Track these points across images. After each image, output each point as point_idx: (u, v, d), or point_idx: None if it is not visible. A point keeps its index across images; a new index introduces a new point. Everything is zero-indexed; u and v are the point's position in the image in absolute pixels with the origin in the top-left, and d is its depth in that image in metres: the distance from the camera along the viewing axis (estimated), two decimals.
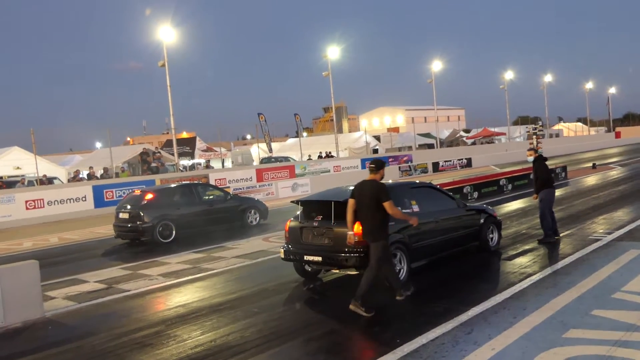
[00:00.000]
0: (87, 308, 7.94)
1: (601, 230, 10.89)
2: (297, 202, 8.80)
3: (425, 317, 6.36)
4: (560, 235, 10.38)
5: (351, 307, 6.61)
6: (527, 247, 9.95)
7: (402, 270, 7.80)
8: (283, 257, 8.45)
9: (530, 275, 7.87)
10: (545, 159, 10.64)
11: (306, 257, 8.00)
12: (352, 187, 7.51)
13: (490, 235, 9.79)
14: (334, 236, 7.69)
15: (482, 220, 9.62)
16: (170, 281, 9.22)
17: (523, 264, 8.71)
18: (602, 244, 9.54)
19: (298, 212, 8.70)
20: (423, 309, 6.75)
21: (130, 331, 6.63)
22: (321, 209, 8.07)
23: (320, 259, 7.79)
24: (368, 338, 5.96)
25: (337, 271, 8.24)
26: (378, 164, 7.09)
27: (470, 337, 5.54)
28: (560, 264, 8.36)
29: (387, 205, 6.75)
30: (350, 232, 7.07)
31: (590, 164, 29.02)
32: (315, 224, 8.01)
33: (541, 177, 10.25)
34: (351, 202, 7.05)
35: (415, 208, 8.39)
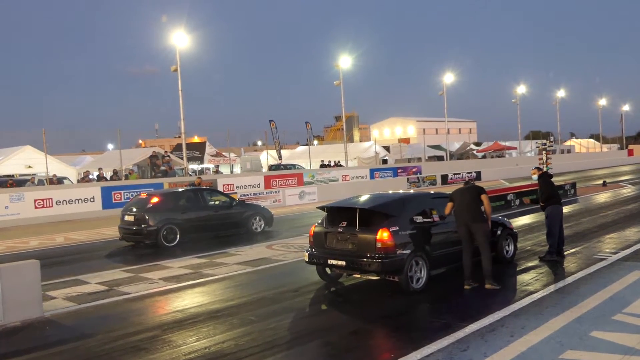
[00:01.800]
0: (87, 309, 7.97)
1: (607, 250, 10.77)
2: (322, 208, 9.05)
3: (422, 332, 6.31)
4: (565, 254, 10.27)
5: (487, 286, 8.08)
6: (530, 264, 9.87)
7: (422, 276, 8.15)
8: (307, 260, 8.73)
9: (531, 293, 7.80)
10: (551, 175, 10.58)
11: (330, 262, 8.30)
12: (375, 194, 9.48)
13: (507, 247, 9.96)
14: (357, 242, 7.99)
15: (499, 232, 9.79)
16: (171, 285, 9.24)
17: (525, 281, 8.63)
18: (607, 264, 9.43)
19: (320, 219, 9.03)
20: (421, 324, 6.72)
21: (127, 334, 6.64)
22: (346, 216, 8.34)
23: (344, 263, 8.07)
24: (363, 352, 5.91)
25: (359, 276, 8.60)
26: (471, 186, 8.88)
27: (465, 354, 5.48)
28: (563, 283, 8.27)
29: (484, 197, 8.50)
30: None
31: (601, 182, 28.74)
32: (340, 229, 8.28)
33: (546, 193, 10.16)
34: (450, 204, 8.65)
35: (436, 217, 8.68)
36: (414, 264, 8.00)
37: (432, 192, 10.91)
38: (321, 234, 8.58)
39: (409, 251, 7.89)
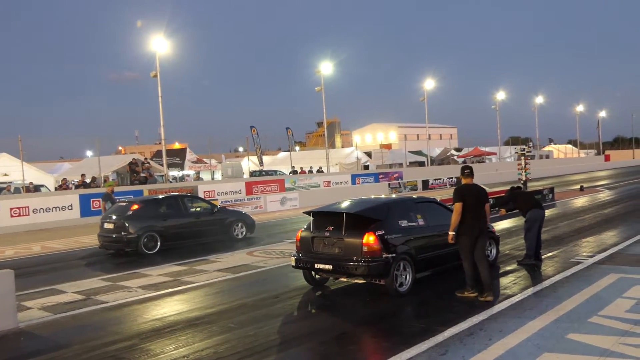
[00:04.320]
0: (63, 319, 7.83)
1: (584, 253, 10.93)
2: (309, 212, 9.06)
3: (402, 336, 6.33)
4: (543, 257, 10.39)
5: (482, 299, 7.64)
6: (509, 267, 9.97)
7: (407, 280, 8.23)
8: (294, 265, 8.79)
9: (510, 296, 7.87)
10: (519, 187, 10.94)
11: (317, 266, 8.40)
12: (367, 197, 9.52)
13: (489, 250, 10.04)
14: (344, 246, 8.12)
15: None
16: (150, 294, 9.13)
17: (504, 284, 8.71)
18: (583, 267, 9.57)
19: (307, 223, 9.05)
20: (401, 328, 6.73)
21: (104, 344, 6.53)
22: (332, 220, 8.43)
23: (330, 267, 8.19)
24: (342, 358, 5.90)
25: (345, 280, 8.66)
26: (472, 169, 8.32)
27: (444, 358, 5.51)
28: (540, 286, 8.36)
29: (487, 206, 8.12)
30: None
31: (579, 186, 29.18)
32: (326, 234, 8.38)
33: (527, 205, 10.27)
34: (459, 205, 7.81)
35: (421, 222, 8.80)
36: (400, 267, 8.12)
37: (414, 196, 11.03)
38: (308, 238, 8.64)
39: (394, 255, 8.00)
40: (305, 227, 8.96)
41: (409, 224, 8.59)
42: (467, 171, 8.15)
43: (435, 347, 5.83)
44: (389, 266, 7.90)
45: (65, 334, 7.11)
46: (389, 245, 8.00)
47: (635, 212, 17.73)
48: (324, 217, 8.70)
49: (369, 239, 7.86)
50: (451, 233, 7.83)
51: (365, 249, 7.85)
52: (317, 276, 8.95)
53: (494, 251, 10.20)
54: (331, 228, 8.34)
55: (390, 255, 7.93)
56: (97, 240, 14.37)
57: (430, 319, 7.05)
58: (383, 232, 8.02)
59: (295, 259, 8.78)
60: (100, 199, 16.15)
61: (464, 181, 8.08)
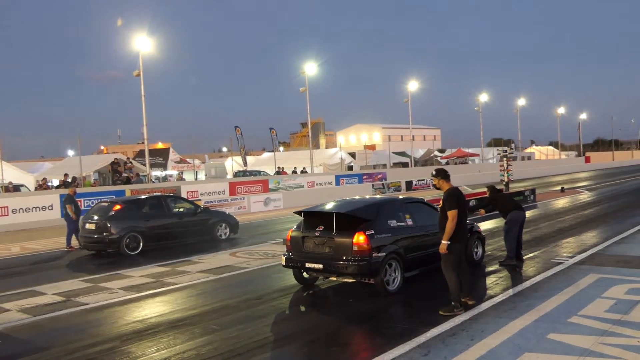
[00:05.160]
0: (42, 321, 7.71)
1: (564, 254, 11.06)
2: (299, 212, 9.11)
3: (384, 337, 6.34)
4: (524, 258, 10.50)
5: (472, 302, 7.34)
6: (490, 268, 10.05)
7: (396, 279, 8.34)
8: (284, 264, 8.87)
9: (491, 297, 7.93)
10: (500, 190, 11.06)
11: (307, 265, 8.47)
12: (355, 198, 9.48)
13: (475, 250, 10.28)
14: (334, 245, 8.20)
15: (468, 235, 9.87)
16: (131, 295, 9.04)
17: (486, 285, 8.77)
18: (564, 267, 9.68)
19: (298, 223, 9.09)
20: (383, 330, 6.73)
21: (84, 347, 6.45)
22: (323, 220, 8.52)
23: (321, 266, 8.28)
24: (324, 359, 5.89)
25: (335, 279, 8.69)
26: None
27: (426, 358, 5.53)
28: (521, 287, 8.44)
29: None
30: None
31: (559, 188, 29.56)
32: (317, 233, 8.46)
33: (508, 207, 10.38)
34: (457, 213, 7.13)
35: (410, 222, 8.91)
36: (389, 266, 8.25)
37: (400, 197, 11.16)
38: (298, 238, 8.72)
39: (384, 254, 8.12)
40: (295, 226, 9.03)
41: (398, 224, 8.72)
42: (448, 174, 7.66)
43: (417, 347, 5.85)
44: (379, 265, 8.02)
45: (44, 337, 7.00)
46: (379, 245, 8.11)
47: (614, 213, 18.00)
48: (314, 217, 8.79)
49: (359, 238, 7.96)
50: (446, 242, 7.08)
51: (355, 248, 7.94)
52: (307, 275, 9.04)
53: (480, 251, 10.40)
54: (322, 228, 8.44)
55: (380, 255, 8.05)
56: (77, 241, 14.19)
57: (414, 319, 7.09)
58: (373, 232, 8.13)
59: (285, 258, 8.85)
60: (63, 202, 15.48)
61: (448, 185, 7.48)
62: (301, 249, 8.65)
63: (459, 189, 7.64)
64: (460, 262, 7.34)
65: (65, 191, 23.31)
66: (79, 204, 22.12)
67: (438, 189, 7.69)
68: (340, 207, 8.73)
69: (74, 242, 14.81)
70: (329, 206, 9.02)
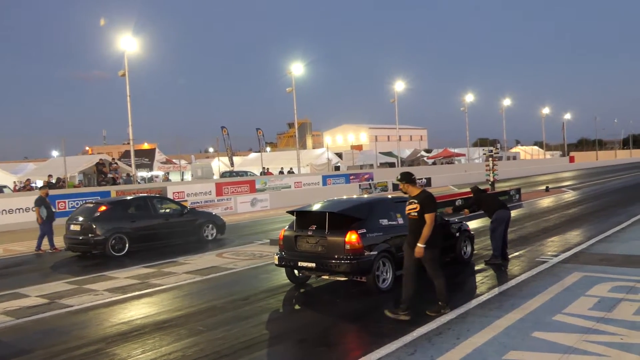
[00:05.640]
0: (25, 324, 7.61)
1: (549, 253, 11.17)
2: (292, 212, 9.18)
3: (371, 336, 6.36)
4: (510, 257, 10.58)
5: (431, 313, 6.96)
6: (476, 267, 10.12)
7: (388, 277, 8.44)
8: (277, 263, 8.96)
9: (477, 295, 7.99)
10: (484, 190, 11.16)
11: (300, 264, 8.55)
12: (341, 198, 9.46)
13: (465, 248, 10.46)
14: (327, 244, 8.29)
15: (457, 234, 10.31)
16: (116, 297, 8.96)
17: (472, 284, 8.84)
18: (548, 266, 9.78)
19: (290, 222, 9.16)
20: (370, 328, 6.75)
21: (69, 349, 6.38)
22: (315, 219, 8.61)
23: (314, 265, 8.35)
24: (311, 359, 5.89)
25: (327, 277, 8.77)
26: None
27: (413, 357, 5.55)
28: (506, 285, 8.51)
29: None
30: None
31: (544, 187, 29.84)
32: (309, 232, 8.54)
33: (493, 207, 10.45)
34: (434, 216, 6.96)
35: (400, 220, 8.97)
36: (381, 264, 8.35)
37: (389, 197, 11.24)
38: (291, 237, 8.80)
39: (376, 252, 8.22)
40: (287, 226, 9.11)
41: (389, 222, 8.83)
42: (414, 177, 7.33)
43: (404, 347, 5.87)
44: (371, 264, 8.11)
45: (28, 339, 6.92)
46: (370, 244, 8.20)
47: (598, 212, 18.22)
48: (306, 217, 8.88)
49: (352, 237, 8.05)
50: (422, 246, 6.86)
51: (347, 247, 8.04)
52: (299, 274, 9.10)
53: (469, 249, 10.58)
54: (314, 227, 8.53)
55: (371, 253, 8.15)
56: (62, 242, 14.05)
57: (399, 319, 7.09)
58: (365, 231, 8.22)
59: (278, 257, 8.93)
60: (34, 204, 14.86)
61: (417, 189, 7.19)
62: (294, 248, 8.73)
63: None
64: (439, 267, 7.12)
65: (54, 191, 23.08)
66: (64, 204, 22.06)
67: (405, 193, 7.34)
68: (333, 207, 8.83)
69: (45, 245, 14.65)
70: (321, 206, 9.11)
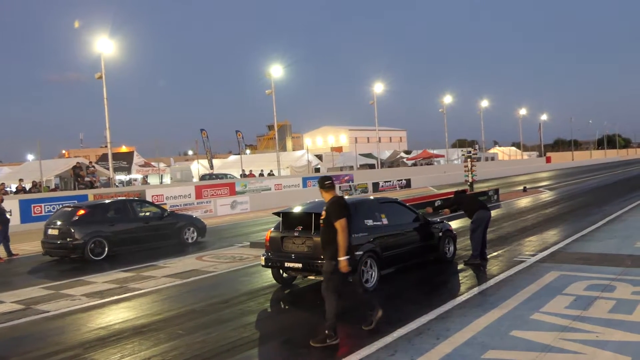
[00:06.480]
0: (0, 331, 7.46)
1: (527, 252, 11.32)
2: (278, 213, 9.24)
3: (351, 338, 6.37)
4: (488, 257, 10.69)
5: (315, 344, 6.09)
6: (456, 267, 10.20)
7: (373, 276, 8.55)
8: (264, 264, 9.02)
9: (457, 295, 8.06)
10: (464, 191, 11.29)
11: (286, 264, 8.63)
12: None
13: (447, 248, 10.63)
14: (313, 245, 8.33)
15: (440, 234, 10.47)
16: (94, 302, 8.84)
17: (451, 284, 8.91)
18: (526, 266, 9.91)
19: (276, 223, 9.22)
20: (350, 330, 6.76)
21: (45, 355, 6.28)
22: (301, 220, 8.74)
23: (300, 265, 8.44)
24: None
25: (314, 277, 8.75)
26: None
27: (393, 358, 5.58)
28: (485, 285, 8.60)
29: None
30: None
31: (522, 187, 30.22)
32: (295, 233, 8.65)
33: (474, 208, 10.58)
34: (346, 222, 6.29)
35: (385, 221, 9.16)
36: (366, 264, 8.45)
37: (372, 197, 11.32)
38: (277, 238, 8.89)
39: (361, 252, 8.29)
40: (274, 227, 9.17)
41: (374, 223, 8.96)
42: (327, 183, 6.59)
43: (384, 348, 5.89)
44: (356, 264, 8.05)
45: (2, 346, 6.80)
46: (356, 244, 8.14)
47: (574, 212, 18.53)
48: (293, 218, 8.96)
49: None
50: (345, 258, 6.21)
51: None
52: (286, 275, 9.15)
53: (452, 249, 10.75)
54: (300, 228, 8.64)
55: (357, 253, 8.14)
56: (39, 247, 13.82)
57: (380, 319, 7.10)
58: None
59: (264, 258, 8.99)
60: None
61: (330, 194, 6.51)
62: (280, 249, 8.81)
63: (344, 197, 6.88)
64: (340, 286, 6.38)
65: (24, 197, 22.66)
66: (40, 209, 21.68)
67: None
68: (318, 208, 8.75)
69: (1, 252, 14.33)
70: (307, 207, 9.17)
